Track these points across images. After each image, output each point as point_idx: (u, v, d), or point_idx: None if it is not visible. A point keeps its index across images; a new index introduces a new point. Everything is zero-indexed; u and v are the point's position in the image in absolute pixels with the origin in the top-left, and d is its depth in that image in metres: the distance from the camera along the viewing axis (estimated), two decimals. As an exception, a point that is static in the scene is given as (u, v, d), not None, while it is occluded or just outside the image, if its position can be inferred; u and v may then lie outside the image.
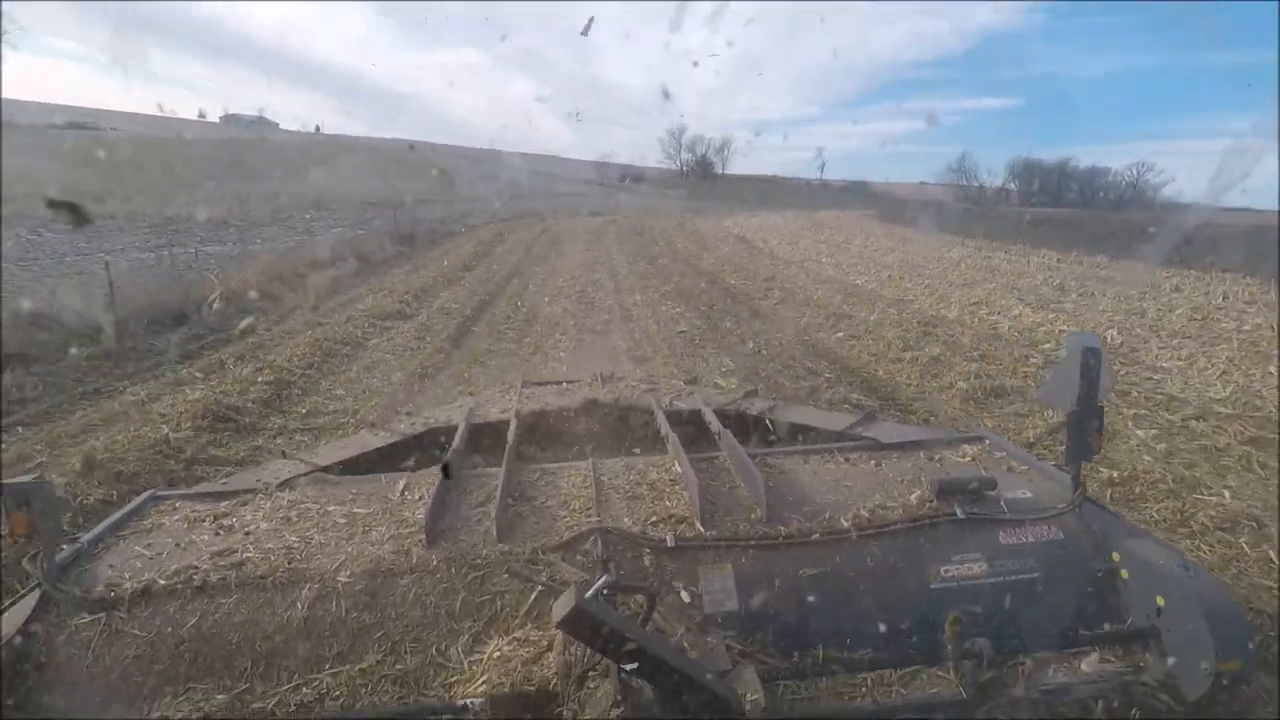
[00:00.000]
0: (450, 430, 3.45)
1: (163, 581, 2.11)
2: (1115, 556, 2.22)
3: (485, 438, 3.48)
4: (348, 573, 2.13)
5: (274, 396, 8.14)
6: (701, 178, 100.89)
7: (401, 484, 2.74)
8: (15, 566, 3.00)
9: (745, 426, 3.67)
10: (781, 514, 2.37)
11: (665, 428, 3.27)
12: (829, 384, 8.35)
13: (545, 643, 1.87)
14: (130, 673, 1.94)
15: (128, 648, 1.98)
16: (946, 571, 2.20)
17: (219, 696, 1.92)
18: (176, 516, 2.60)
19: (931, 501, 2.41)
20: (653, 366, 9.31)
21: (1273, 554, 4.20)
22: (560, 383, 4.64)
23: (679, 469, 2.76)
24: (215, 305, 12.06)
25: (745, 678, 1.72)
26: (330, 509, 2.55)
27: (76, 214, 7.79)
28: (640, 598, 1.88)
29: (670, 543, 2.22)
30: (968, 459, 2.89)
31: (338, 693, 1.92)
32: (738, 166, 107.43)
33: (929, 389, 8.14)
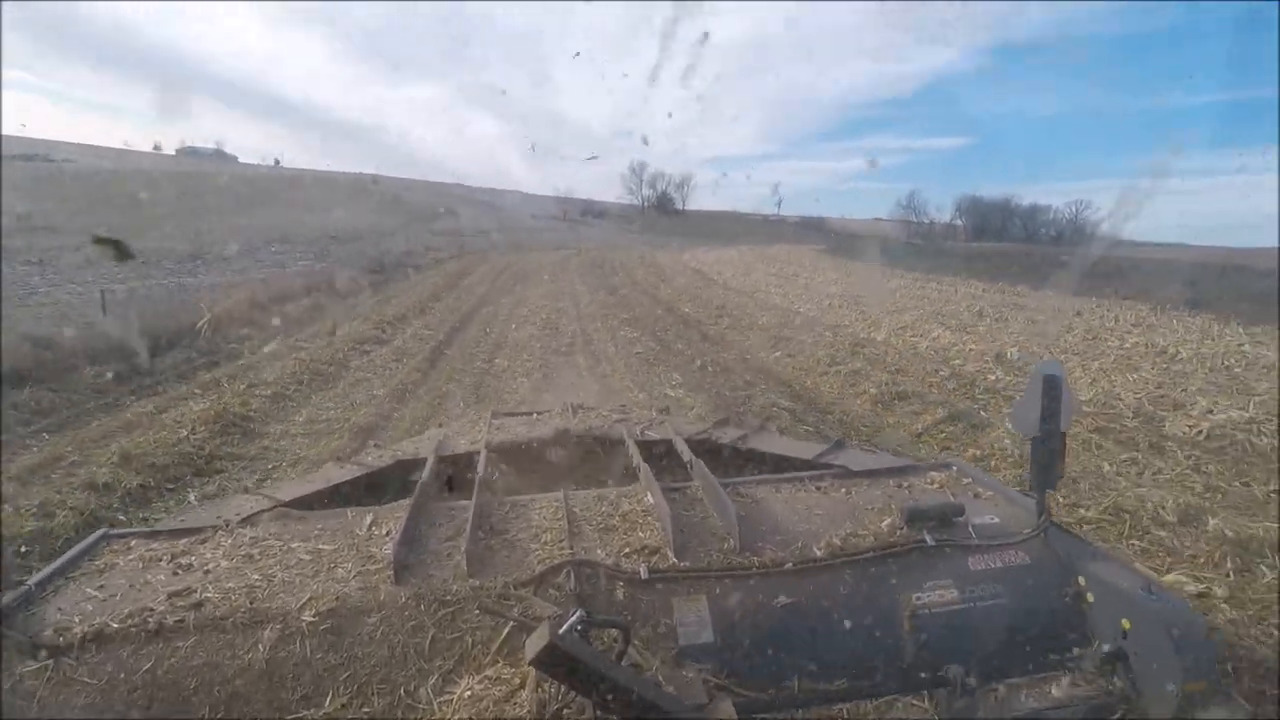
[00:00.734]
0: (419, 463, 3.40)
1: (115, 625, 2.01)
2: (1080, 580, 2.23)
3: (455, 470, 3.46)
4: (312, 612, 2.05)
5: (272, 408, 9.13)
6: (662, 213, 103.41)
7: (368, 519, 2.67)
8: None
9: (717, 456, 3.68)
10: (754, 543, 2.36)
11: (637, 458, 3.22)
12: (762, 393, 9.68)
13: (518, 680, 1.83)
14: None
15: (77, 695, 1.88)
16: (919, 598, 2.19)
17: None
18: (131, 556, 2.49)
19: (902, 529, 2.41)
20: (611, 382, 10.53)
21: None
22: (530, 413, 4.59)
23: (651, 499, 2.72)
24: (205, 330, 12.94)
25: (722, 710, 1.72)
26: (294, 545, 2.48)
27: (120, 250, 8.61)
28: (614, 632, 1.84)
29: (644, 575, 2.19)
30: (936, 485, 2.91)
31: None
32: (698, 202, 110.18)
33: (845, 395, 9.53)
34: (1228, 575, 4.41)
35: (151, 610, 2.08)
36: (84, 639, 1.97)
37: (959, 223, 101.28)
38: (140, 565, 2.41)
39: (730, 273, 30.87)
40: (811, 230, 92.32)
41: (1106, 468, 6.55)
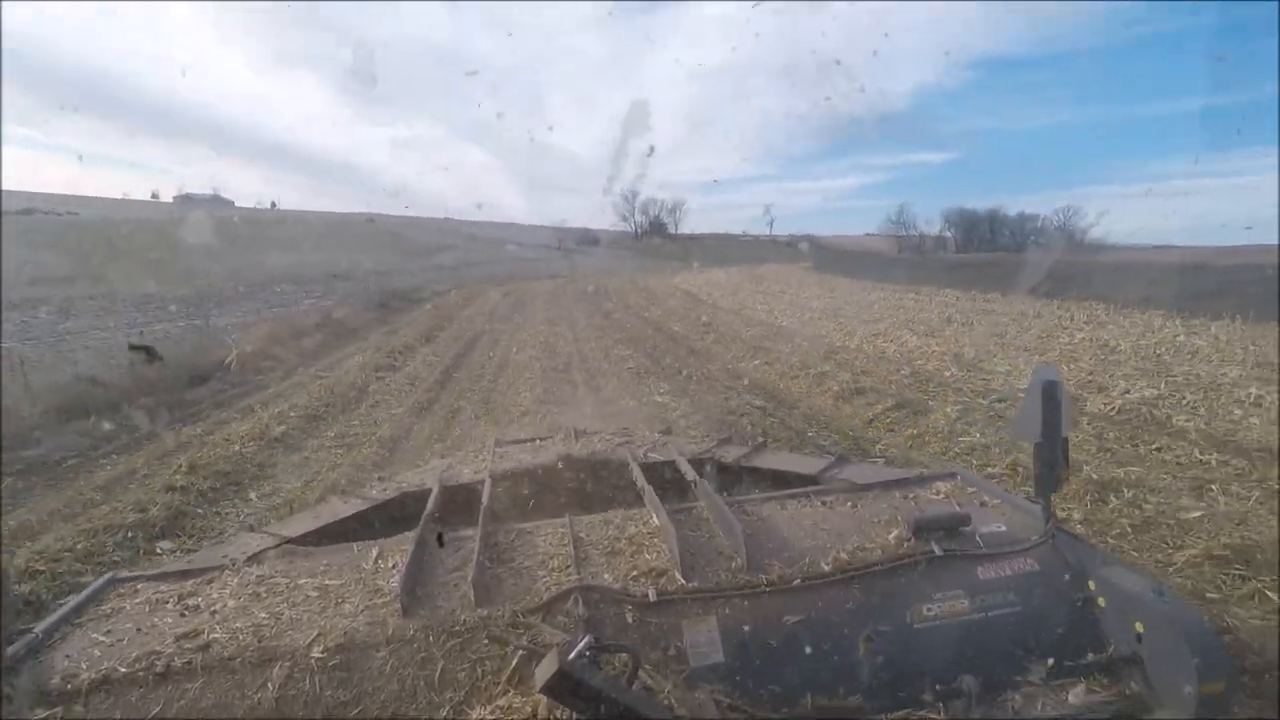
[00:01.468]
0: (423, 494, 3.42)
1: (123, 669, 2.03)
2: (1091, 585, 2.22)
3: (459, 499, 3.46)
4: (320, 648, 2.06)
5: (305, 426, 10.33)
6: (655, 238, 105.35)
7: (374, 552, 2.68)
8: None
9: (720, 475, 3.72)
10: (762, 561, 2.36)
11: (641, 480, 3.23)
12: (738, 395, 10.89)
13: (530, 709, 1.83)
14: None
15: None
16: (929, 610, 2.19)
17: None
18: (138, 599, 2.50)
19: (909, 540, 2.41)
20: (604, 393, 11.73)
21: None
22: (533, 439, 4.62)
23: (657, 521, 2.73)
24: (233, 364, 14.18)
25: None
26: (301, 582, 2.49)
27: (151, 354, 9.71)
28: (624, 656, 1.84)
29: (652, 597, 2.18)
30: (941, 496, 2.91)
31: None
32: (691, 225, 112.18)
33: (812, 393, 10.76)
34: (1085, 505, 5.60)
35: (159, 653, 2.08)
36: (91, 685, 1.97)
37: (948, 234, 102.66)
38: (147, 608, 2.41)
39: (719, 293, 32.21)
40: (805, 249, 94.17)
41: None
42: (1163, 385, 9.61)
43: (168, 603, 2.43)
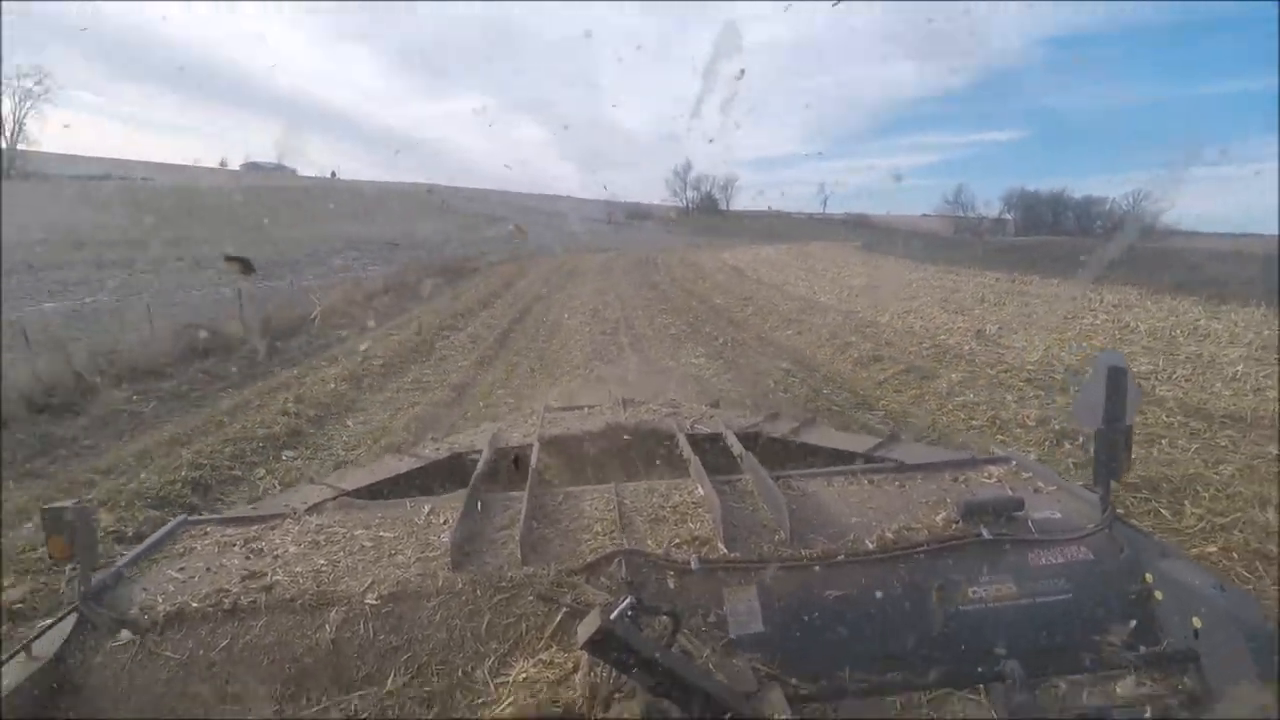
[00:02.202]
0: (475, 455, 3.54)
1: (195, 605, 2.14)
2: (1148, 578, 2.19)
3: (509, 462, 3.55)
4: (374, 595, 2.15)
5: (385, 373, 11.87)
6: (706, 214, 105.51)
7: (427, 508, 2.78)
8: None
9: (767, 448, 3.72)
10: (805, 536, 2.37)
11: (687, 451, 3.28)
12: (768, 359, 12.03)
13: (571, 664, 1.85)
14: (163, 695, 1.98)
15: (160, 670, 2.00)
16: (974, 593, 2.17)
17: (249, 719, 1.97)
18: (208, 541, 2.65)
19: (957, 523, 2.40)
20: (646, 355, 12.99)
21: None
22: (582, 407, 4.70)
23: (701, 492, 2.76)
24: (317, 321, 15.88)
25: (772, 699, 1.72)
26: (357, 533, 2.60)
27: (246, 265, 10.79)
28: (665, 619, 1.83)
29: (694, 565, 2.21)
30: (993, 480, 2.87)
31: (365, 715, 1.95)
32: (742, 203, 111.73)
33: (835, 359, 11.82)
34: (1042, 446, 6.65)
35: (227, 591, 2.19)
36: (166, 618, 2.08)
37: (1008, 216, 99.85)
38: (216, 550, 2.54)
39: (764, 269, 33.04)
40: (855, 228, 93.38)
41: (1016, 406, 8.70)
42: (1162, 361, 10.39)
43: (234, 545, 2.56)
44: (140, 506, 5.93)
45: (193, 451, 7.29)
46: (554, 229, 71.90)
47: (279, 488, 6.58)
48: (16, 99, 61.16)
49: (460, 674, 1.98)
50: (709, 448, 3.47)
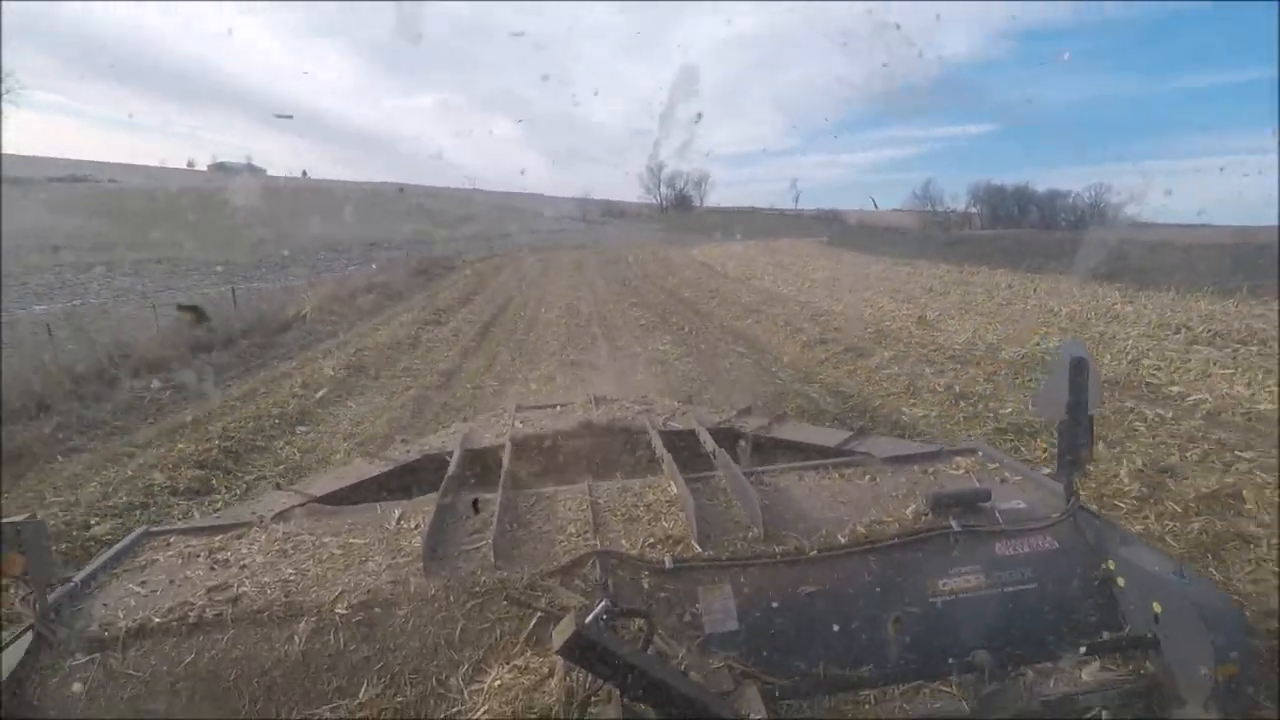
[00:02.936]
0: (445, 457, 3.47)
1: (158, 619, 2.08)
2: (1110, 564, 2.24)
3: (480, 463, 3.53)
4: (345, 604, 2.11)
5: (377, 363, 12.93)
6: (680, 211, 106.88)
7: (397, 513, 2.73)
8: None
9: (739, 445, 3.75)
10: (778, 532, 2.37)
11: (660, 449, 3.28)
12: (726, 344, 13.31)
13: (546, 669, 1.87)
14: (126, 714, 1.92)
15: (123, 688, 1.95)
16: (944, 585, 2.20)
17: None
18: (170, 552, 2.57)
19: (927, 515, 2.42)
20: (617, 344, 14.20)
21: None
22: (554, 406, 4.68)
23: (675, 490, 2.76)
24: (307, 316, 16.86)
25: (748, 698, 1.74)
26: (326, 540, 2.54)
27: (199, 314, 10.41)
28: (640, 621, 1.87)
29: (668, 564, 2.21)
30: (961, 471, 2.91)
31: None
32: (717, 199, 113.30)
33: (785, 343, 13.15)
34: (942, 405, 7.99)
35: (191, 604, 2.14)
36: (128, 633, 2.05)
37: (974, 210, 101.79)
38: (180, 561, 2.47)
39: (732, 265, 34.38)
40: (826, 223, 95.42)
41: (932, 376, 10.05)
42: (1068, 339, 11.84)
43: (198, 556, 2.50)
44: (185, 468, 7.01)
45: (219, 427, 8.38)
46: (528, 228, 72.74)
47: (299, 454, 7.70)
48: (-23, 100, 60.60)
49: (434, 682, 1.97)
50: (682, 445, 3.50)
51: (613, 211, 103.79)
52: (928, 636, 2.14)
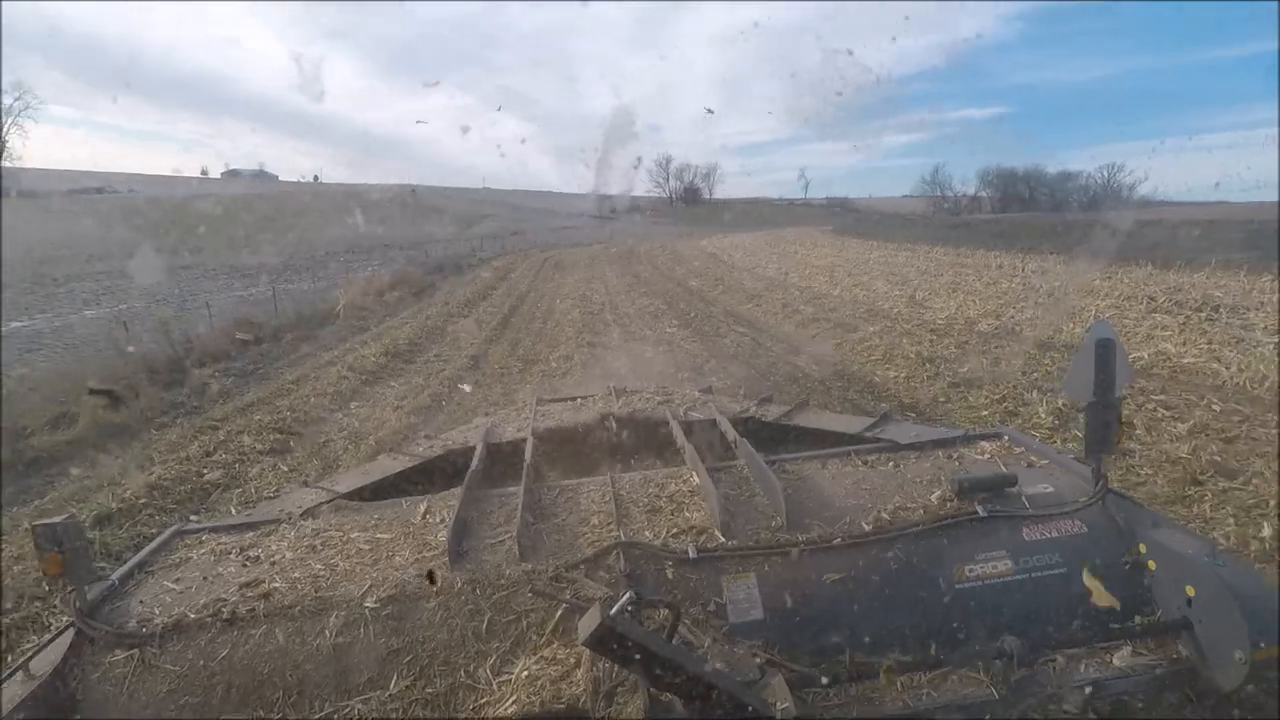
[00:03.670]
0: (468, 451, 3.50)
1: (193, 615, 2.15)
2: (1141, 548, 2.20)
3: (503, 457, 3.57)
4: (374, 598, 2.15)
5: (411, 350, 14.28)
6: (689, 204, 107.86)
7: (423, 507, 2.77)
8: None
9: (761, 434, 3.73)
10: (802, 520, 2.37)
11: (681, 439, 3.28)
12: (729, 326, 14.53)
13: (573, 660, 1.90)
14: (164, 707, 1.98)
15: (161, 683, 2.01)
16: (971, 570, 2.19)
17: None
18: (203, 550, 2.64)
19: (952, 501, 2.41)
20: (629, 328, 15.45)
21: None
22: (575, 398, 4.70)
23: (697, 480, 2.76)
24: (341, 313, 18.25)
25: (774, 686, 1.74)
26: (353, 535, 2.59)
27: (114, 398, 9.71)
28: (665, 611, 1.87)
29: (692, 554, 2.21)
30: (986, 456, 2.88)
31: (369, 719, 1.96)
32: (726, 190, 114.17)
33: (782, 323, 14.38)
34: (910, 367, 9.18)
35: (225, 600, 2.21)
36: (164, 629, 2.11)
37: (983, 195, 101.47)
38: (212, 558, 2.56)
39: (739, 255, 35.55)
40: (836, 212, 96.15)
41: (909, 346, 11.21)
42: (1040, 312, 13.00)
43: (230, 553, 2.56)
44: (267, 433, 8.36)
45: (285, 404, 9.73)
46: (539, 226, 74.02)
47: (358, 422, 9.02)
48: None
49: (462, 674, 2.00)
50: (703, 434, 3.49)
51: (623, 206, 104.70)
52: (955, 623, 2.12)
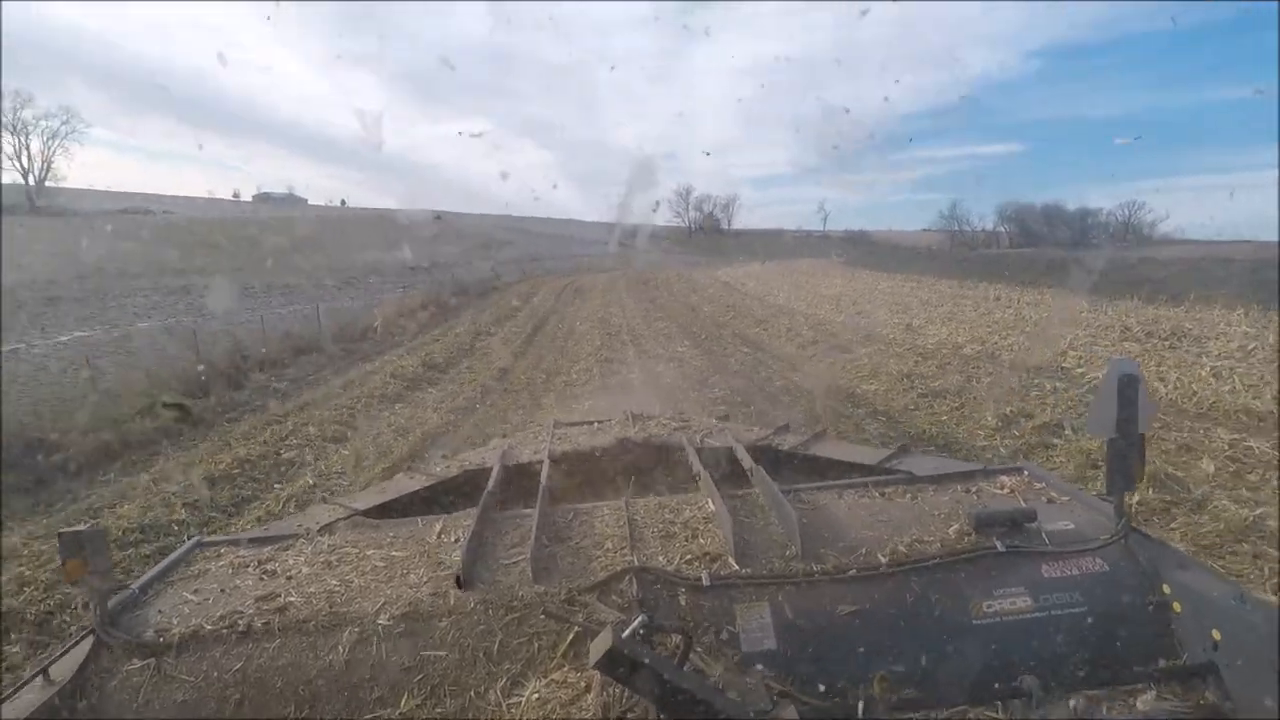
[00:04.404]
0: (485, 472, 3.51)
1: (209, 627, 2.17)
2: (1166, 589, 2.14)
3: (519, 479, 3.58)
4: (387, 616, 2.17)
5: (444, 363, 15.66)
6: (709, 234, 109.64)
7: (438, 527, 2.80)
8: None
9: (777, 463, 3.72)
10: (817, 550, 2.34)
11: (697, 465, 3.26)
12: (736, 347, 15.79)
13: (583, 684, 1.89)
14: (178, 717, 2.01)
15: (176, 692, 2.04)
16: (989, 606, 2.14)
17: None
18: (222, 562, 2.67)
19: (970, 535, 2.36)
20: (644, 348, 16.75)
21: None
22: (592, 422, 4.75)
23: (712, 507, 2.75)
24: (378, 329, 19.74)
25: (785, 716, 1.72)
26: (369, 553, 2.61)
27: (184, 411, 10.81)
28: (677, 637, 1.84)
29: (706, 581, 2.19)
30: (1006, 490, 2.83)
31: None
32: (744, 221, 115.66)
33: (784, 345, 15.59)
34: (893, 386, 10.35)
35: (241, 613, 2.22)
36: (181, 640, 2.12)
37: (1001, 230, 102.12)
38: (230, 571, 2.58)
39: (752, 283, 36.91)
40: (854, 245, 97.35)
41: (894, 365, 12.38)
42: (1023, 339, 14.12)
43: (248, 567, 2.60)
44: (328, 425, 9.70)
45: (338, 403, 11.10)
46: (560, 253, 75.93)
47: (404, 420, 10.35)
48: (45, 138, 65.78)
49: (473, 694, 1.99)
50: (719, 462, 3.49)
51: (642, 234, 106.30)
52: (971, 660, 2.07)
